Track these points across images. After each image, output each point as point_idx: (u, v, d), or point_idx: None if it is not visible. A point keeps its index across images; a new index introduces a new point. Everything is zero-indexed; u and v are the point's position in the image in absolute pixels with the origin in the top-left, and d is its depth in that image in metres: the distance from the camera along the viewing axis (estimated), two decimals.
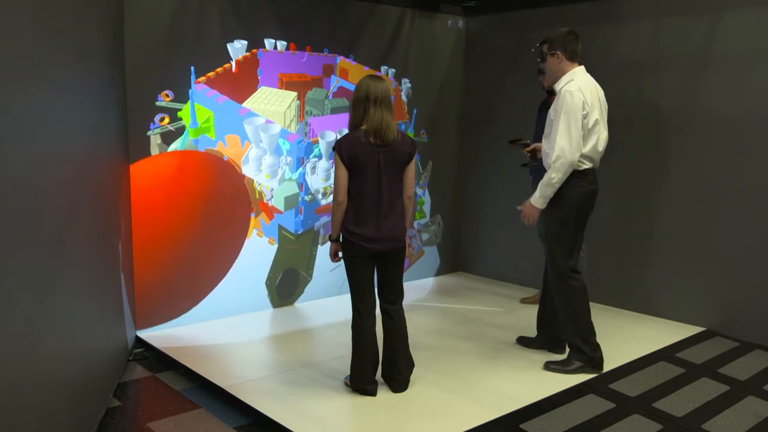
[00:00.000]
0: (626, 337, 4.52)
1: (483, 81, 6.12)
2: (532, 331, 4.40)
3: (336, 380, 3.74)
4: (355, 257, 3.48)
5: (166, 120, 4.44)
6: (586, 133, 3.73)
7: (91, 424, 3.14)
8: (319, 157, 5.27)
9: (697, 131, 4.71)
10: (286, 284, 5.23)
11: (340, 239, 3.53)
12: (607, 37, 5.10)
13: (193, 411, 3.51)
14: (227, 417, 3.44)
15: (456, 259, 6.48)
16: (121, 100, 4.04)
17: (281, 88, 5.00)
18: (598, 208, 3.95)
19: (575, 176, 3.76)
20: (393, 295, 3.61)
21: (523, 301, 5.46)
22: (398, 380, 3.60)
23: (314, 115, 5.21)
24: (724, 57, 4.55)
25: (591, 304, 3.93)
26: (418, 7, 5.82)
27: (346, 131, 3.53)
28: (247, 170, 4.89)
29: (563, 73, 3.81)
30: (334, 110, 5.34)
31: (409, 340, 3.66)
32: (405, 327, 3.64)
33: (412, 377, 3.68)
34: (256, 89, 4.86)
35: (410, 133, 5.91)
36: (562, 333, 4.04)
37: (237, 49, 4.72)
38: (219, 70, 4.65)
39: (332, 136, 5.29)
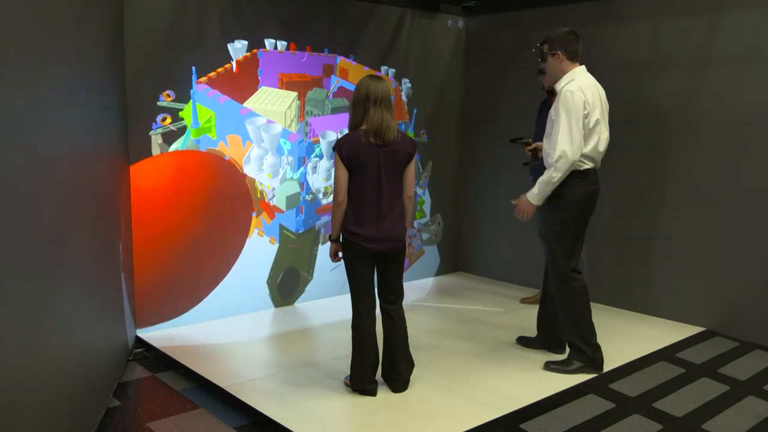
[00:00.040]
0: (626, 337, 4.52)
1: (483, 81, 6.12)
2: (532, 331, 4.40)
3: (336, 380, 3.74)
4: (355, 257, 3.48)
5: (168, 120, 4.45)
6: (587, 133, 3.72)
7: (91, 424, 3.14)
8: (320, 156, 5.27)
9: (697, 131, 4.71)
10: (287, 283, 5.23)
11: (340, 239, 3.53)
12: (607, 37, 5.10)
13: (193, 411, 3.51)
14: (227, 417, 3.44)
15: (456, 259, 6.48)
16: (121, 101, 4.04)
17: (281, 88, 5.00)
18: (598, 208, 3.94)
19: (576, 176, 3.76)
20: (393, 295, 3.61)
21: (523, 301, 5.46)
22: (398, 380, 3.60)
23: (315, 115, 5.21)
24: (724, 57, 4.55)
25: (591, 304, 3.93)
26: (418, 7, 5.82)
27: (346, 131, 3.52)
28: (249, 170, 4.89)
29: (564, 73, 3.81)
30: (335, 110, 5.34)
31: (409, 340, 3.66)
32: (405, 327, 3.64)
33: (412, 377, 3.68)
34: (256, 89, 4.86)
35: (410, 133, 5.91)
36: (563, 333, 4.04)
37: (237, 49, 4.72)
38: (220, 70, 4.65)
39: (333, 136, 5.29)
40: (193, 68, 4.52)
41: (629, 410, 3.43)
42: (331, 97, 5.30)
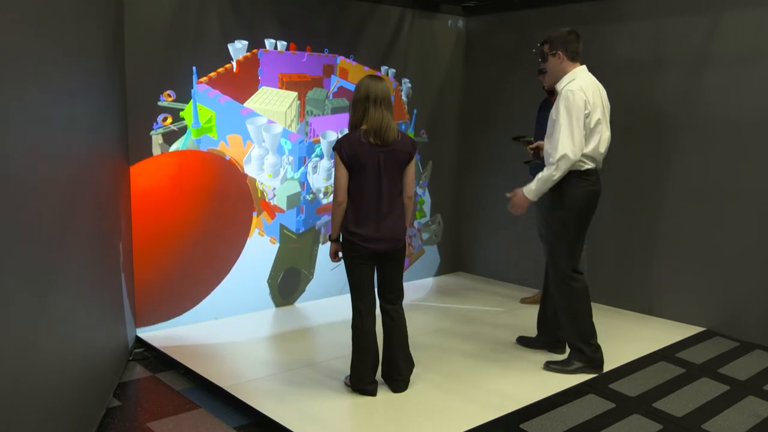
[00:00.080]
0: (626, 337, 4.52)
1: (483, 81, 6.12)
2: (532, 331, 4.40)
3: (336, 380, 3.74)
4: (355, 257, 3.48)
5: (169, 120, 4.45)
6: (589, 132, 3.71)
7: (91, 424, 3.14)
8: (321, 156, 5.28)
9: (697, 131, 4.71)
10: (287, 283, 5.24)
11: (340, 239, 3.53)
12: (607, 37, 5.10)
13: (193, 411, 3.51)
14: (227, 417, 3.44)
15: (456, 258, 6.48)
16: (121, 101, 4.04)
17: (282, 88, 5.00)
18: (598, 208, 3.93)
19: (578, 176, 3.75)
20: (393, 295, 3.61)
21: (523, 301, 5.46)
22: (398, 380, 3.60)
23: (315, 115, 5.21)
24: (724, 57, 4.55)
25: (591, 304, 3.92)
26: (418, 7, 5.82)
27: (347, 131, 3.53)
28: (250, 170, 4.89)
29: (565, 73, 3.80)
30: (335, 110, 5.34)
31: (409, 340, 3.66)
32: (405, 327, 3.64)
33: (412, 377, 3.68)
34: (256, 89, 4.86)
35: (410, 133, 5.91)
36: (563, 333, 4.04)
37: (238, 49, 4.72)
38: (220, 70, 4.65)
39: (334, 136, 5.30)
40: (194, 68, 4.52)
41: (629, 410, 3.43)
42: (331, 97, 5.31)
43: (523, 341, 4.37)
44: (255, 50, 4.82)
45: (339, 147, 3.38)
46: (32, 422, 2.20)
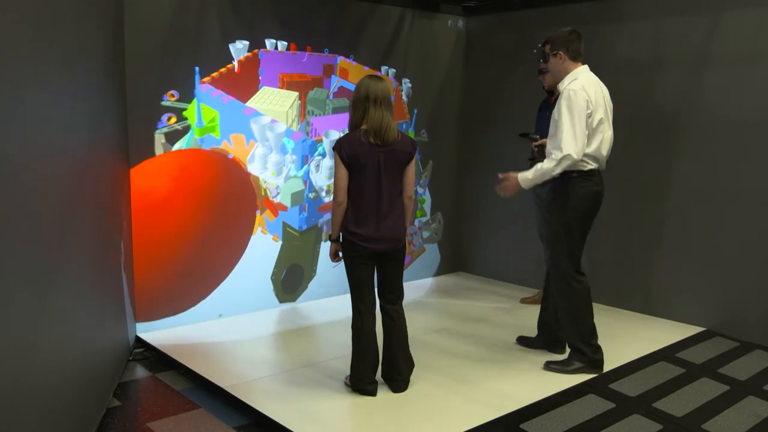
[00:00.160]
0: (626, 337, 4.52)
1: (483, 81, 6.12)
2: (532, 331, 4.40)
3: (336, 380, 3.74)
4: (355, 257, 3.48)
5: (173, 119, 4.46)
6: (591, 132, 3.68)
7: (91, 424, 3.14)
8: (323, 155, 5.29)
9: (697, 131, 4.71)
10: (290, 280, 5.25)
11: (340, 239, 3.53)
12: (607, 37, 5.10)
13: (193, 411, 3.51)
14: (227, 417, 3.44)
15: (456, 258, 6.48)
16: (121, 101, 4.04)
17: (282, 88, 5.01)
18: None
19: (580, 177, 3.73)
20: (393, 295, 3.61)
21: (523, 301, 5.46)
22: (398, 380, 3.60)
23: (316, 115, 5.22)
24: (724, 57, 4.55)
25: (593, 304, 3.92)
26: (418, 7, 5.82)
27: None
28: (253, 168, 4.90)
29: (567, 73, 3.78)
30: (335, 110, 5.34)
31: (409, 340, 3.66)
32: (405, 327, 3.64)
33: (412, 377, 3.68)
34: (257, 89, 4.87)
35: (410, 132, 5.91)
36: (563, 333, 4.03)
37: (239, 49, 4.73)
38: (222, 70, 4.66)
39: (336, 135, 5.31)
40: (197, 69, 4.52)
41: (629, 410, 3.43)
42: (331, 97, 5.31)
43: (523, 341, 4.37)
44: (256, 50, 4.83)
45: (339, 147, 3.38)
46: (32, 422, 2.20)
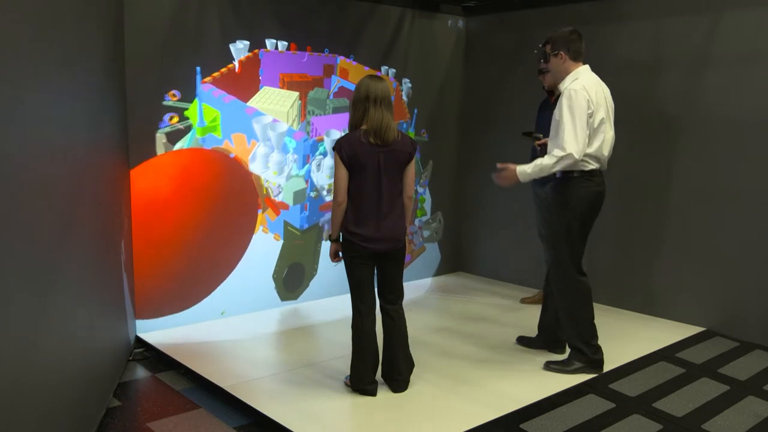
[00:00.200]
0: (626, 337, 4.52)
1: (483, 81, 6.12)
2: (532, 331, 4.40)
3: (336, 380, 3.74)
4: (355, 257, 3.48)
5: (176, 119, 4.46)
6: (592, 132, 3.67)
7: (91, 424, 3.14)
8: (324, 154, 5.30)
9: (697, 131, 4.71)
10: (292, 278, 5.26)
11: (340, 239, 3.53)
12: (607, 37, 5.10)
13: (193, 411, 3.51)
14: (227, 417, 3.44)
15: (456, 258, 6.48)
16: (121, 100, 4.04)
17: (283, 88, 5.01)
18: None
19: (582, 177, 3.72)
20: (393, 295, 3.61)
21: (523, 301, 5.46)
22: (398, 380, 3.60)
23: (316, 115, 5.23)
24: (724, 57, 4.55)
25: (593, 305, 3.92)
26: (418, 7, 5.82)
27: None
28: (255, 167, 4.91)
29: (568, 73, 3.77)
30: (336, 110, 5.35)
31: (409, 340, 3.66)
32: (405, 327, 3.64)
33: (412, 377, 3.68)
34: (258, 89, 4.87)
35: (411, 132, 5.92)
36: (563, 333, 4.03)
37: (239, 49, 4.73)
38: (224, 70, 4.67)
39: (338, 134, 5.32)
40: (198, 69, 4.53)
41: (629, 410, 3.43)
42: (331, 97, 5.31)
43: (523, 341, 4.37)
44: (256, 50, 4.83)
45: (339, 147, 3.38)
46: (32, 422, 2.20)
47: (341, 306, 4.96)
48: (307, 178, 5.24)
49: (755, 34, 4.39)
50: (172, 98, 4.43)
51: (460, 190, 6.40)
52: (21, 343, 2.07)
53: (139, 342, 4.39)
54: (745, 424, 3.30)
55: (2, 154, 1.88)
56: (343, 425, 3.34)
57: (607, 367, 3.92)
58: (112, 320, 3.64)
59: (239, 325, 4.74)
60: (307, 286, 5.39)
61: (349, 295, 3.60)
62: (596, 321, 3.92)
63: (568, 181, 3.74)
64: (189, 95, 4.51)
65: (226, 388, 3.61)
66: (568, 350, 4.01)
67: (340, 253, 3.56)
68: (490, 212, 6.12)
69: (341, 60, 5.34)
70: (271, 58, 4.92)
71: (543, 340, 4.26)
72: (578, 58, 3.79)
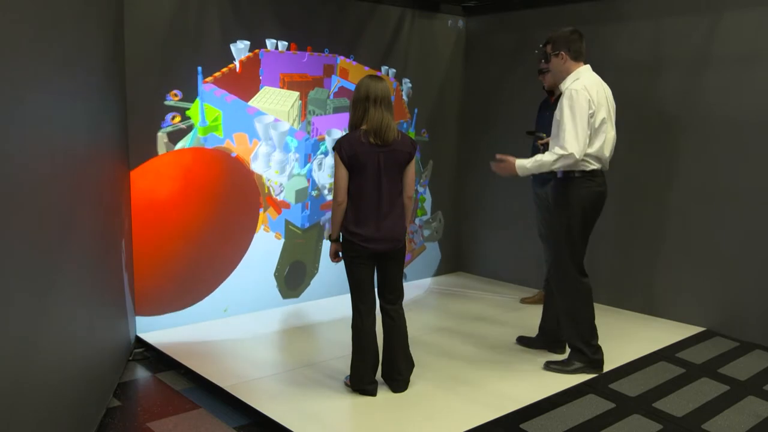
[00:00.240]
0: (626, 337, 4.52)
1: (483, 81, 6.12)
2: (532, 331, 4.40)
3: (336, 380, 3.74)
4: (355, 257, 3.48)
5: (178, 118, 4.46)
6: (593, 132, 3.66)
7: (91, 424, 3.14)
8: (326, 153, 5.31)
9: (697, 131, 4.71)
10: (293, 276, 5.27)
11: (340, 239, 3.53)
12: (607, 37, 5.09)
13: (193, 411, 3.51)
14: (227, 417, 3.44)
15: (456, 258, 6.48)
16: (121, 100, 4.04)
17: (283, 88, 5.01)
18: None
19: (583, 177, 3.71)
20: (393, 295, 3.61)
21: (523, 301, 5.46)
22: (398, 380, 3.60)
23: (317, 115, 5.23)
24: (724, 57, 4.55)
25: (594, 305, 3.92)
26: (418, 7, 5.82)
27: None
28: (256, 166, 4.92)
29: (569, 73, 3.76)
30: (336, 110, 5.35)
31: (409, 340, 3.66)
32: (405, 327, 3.64)
33: (412, 377, 3.68)
34: (258, 89, 4.88)
35: (411, 132, 5.92)
36: (563, 333, 4.03)
37: (240, 49, 4.73)
38: (225, 70, 4.67)
39: (339, 134, 5.32)
40: (199, 68, 4.53)
41: (629, 410, 3.43)
42: (332, 97, 5.32)
43: (523, 341, 4.37)
44: (257, 50, 4.83)
45: (339, 147, 3.38)
46: (32, 422, 2.20)
47: (341, 306, 4.96)
48: (309, 177, 5.24)
49: (755, 34, 4.39)
50: (173, 98, 4.44)
51: (460, 190, 6.40)
52: (21, 343, 2.07)
53: (139, 342, 4.39)
54: (745, 424, 3.30)
55: (2, 154, 1.88)
56: (343, 425, 3.34)
57: (607, 367, 3.92)
58: (112, 320, 3.64)
59: (239, 324, 4.74)
60: (309, 284, 5.39)
61: (349, 295, 3.60)
62: (596, 321, 3.92)
63: (570, 181, 3.73)
64: (190, 95, 4.52)
65: (226, 388, 3.61)
66: (568, 350, 4.01)
67: (340, 253, 3.56)
68: (490, 212, 6.12)
69: (341, 60, 5.34)
70: (272, 58, 4.92)
71: (543, 340, 4.26)
72: (579, 58, 3.79)
